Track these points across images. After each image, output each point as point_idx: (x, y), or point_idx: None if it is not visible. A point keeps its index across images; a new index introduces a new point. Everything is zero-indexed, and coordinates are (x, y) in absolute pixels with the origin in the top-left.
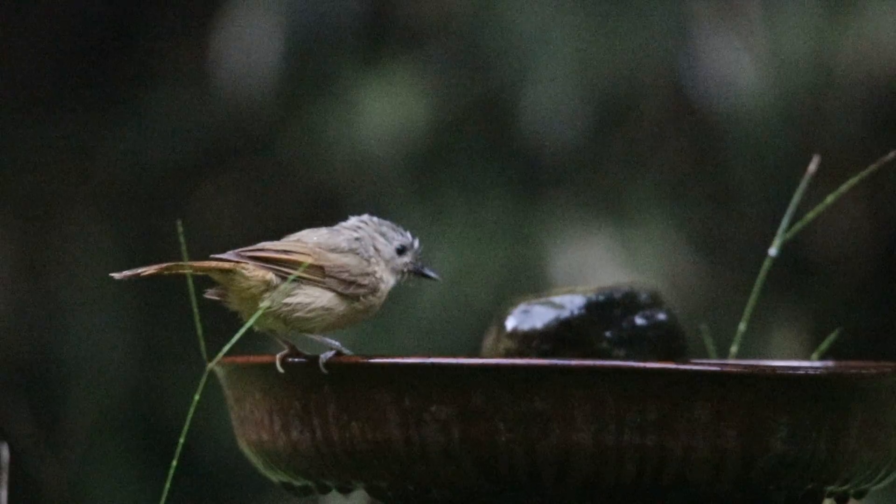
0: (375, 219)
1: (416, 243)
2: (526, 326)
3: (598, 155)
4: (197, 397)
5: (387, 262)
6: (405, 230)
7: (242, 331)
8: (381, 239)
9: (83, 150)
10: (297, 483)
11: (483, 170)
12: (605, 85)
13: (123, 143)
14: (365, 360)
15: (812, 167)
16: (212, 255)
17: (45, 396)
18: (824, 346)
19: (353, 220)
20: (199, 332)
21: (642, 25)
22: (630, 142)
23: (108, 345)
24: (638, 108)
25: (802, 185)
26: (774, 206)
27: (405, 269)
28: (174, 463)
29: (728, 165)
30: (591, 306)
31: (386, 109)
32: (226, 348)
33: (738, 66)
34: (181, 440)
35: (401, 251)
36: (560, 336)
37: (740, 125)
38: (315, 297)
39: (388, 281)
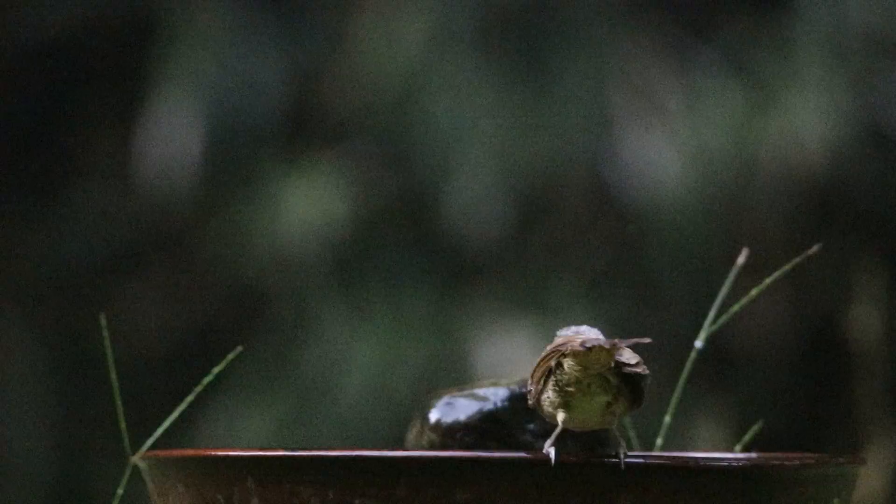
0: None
1: None
2: (449, 419)
3: (520, 249)
4: (120, 491)
5: None
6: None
7: (174, 416)
8: None
9: (3, 245)
10: None
11: (405, 264)
12: (526, 179)
13: (43, 240)
14: (288, 454)
15: (741, 259)
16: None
17: None
18: (748, 437)
19: None
20: (122, 425)
21: (564, 119)
22: (552, 235)
23: (30, 440)
24: (560, 201)
25: (731, 276)
26: (697, 299)
27: None
28: None
29: (650, 258)
30: (514, 398)
31: (308, 204)
32: (149, 441)
33: (659, 159)
34: None
35: None
36: (483, 428)
37: (662, 218)
38: None
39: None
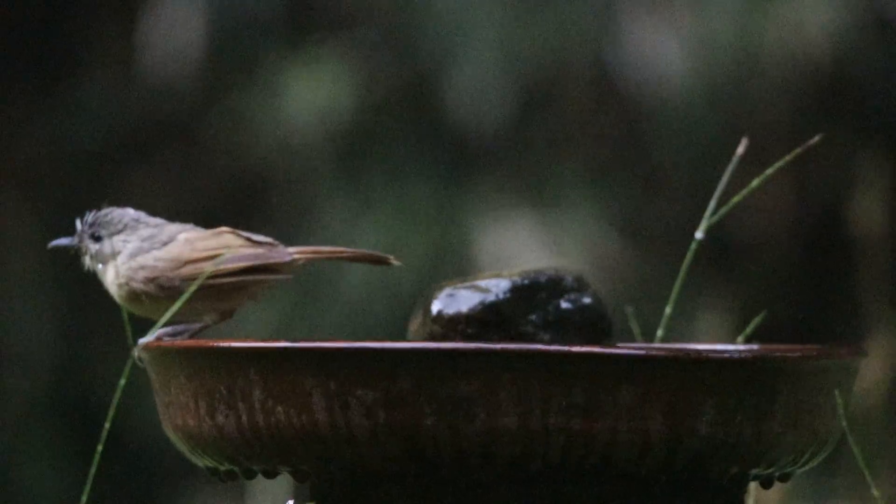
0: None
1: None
2: (451, 310)
3: (523, 138)
4: (122, 382)
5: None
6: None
7: (169, 314)
8: None
9: (10, 134)
10: (222, 467)
11: (409, 153)
12: (530, 68)
13: (49, 128)
14: (291, 345)
15: (740, 149)
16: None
17: None
18: (750, 329)
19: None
20: (125, 315)
21: (568, 8)
22: (556, 125)
23: (36, 329)
24: (563, 91)
25: (730, 167)
26: (700, 190)
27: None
28: (100, 447)
29: (653, 149)
30: (516, 290)
31: (311, 94)
32: (151, 333)
33: (663, 49)
34: (107, 425)
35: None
36: (485, 320)
37: (666, 108)
38: None
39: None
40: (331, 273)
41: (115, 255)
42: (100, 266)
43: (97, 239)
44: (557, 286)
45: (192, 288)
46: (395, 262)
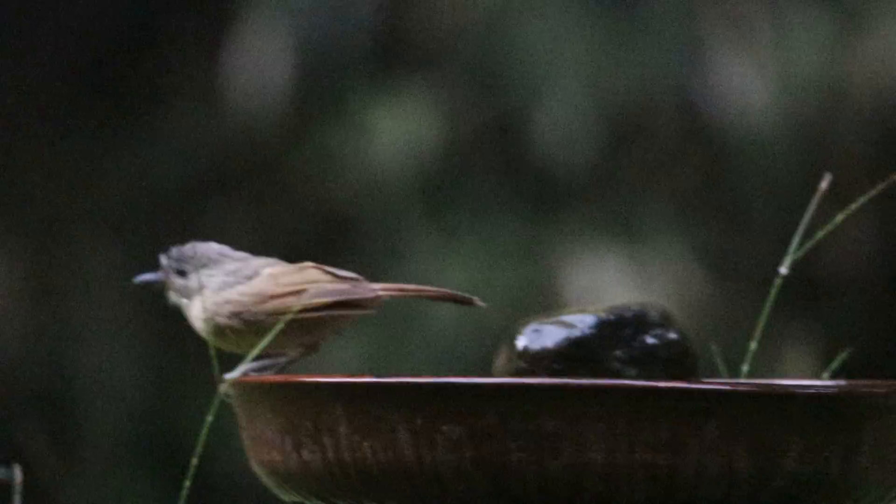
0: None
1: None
2: (537, 346)
3: (609, 175)
4: (210, 418)
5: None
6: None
7: (257, 350)
8: None
9: (93, 169)
10: (308, 503)
11: (495, 190)
12: (616, 105)
13: (134, 163)
14: (377, 380)
15: (823, 185)
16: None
17: (60, 418)
18: (835, 364)
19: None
20: (213, 351)
21: (654, 45)
22: (642, 161)
23: (123, 365)
24: (650, 127)
25: (813, 202)
26: (785, 226)
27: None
28: (187, 483)
29: (739, 184)
30: (601, 326)
31: (397, 130)
32: (239, 368)
33: (749, 85)
34: (194, 460)
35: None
36: (571, 355)
37: (751, 144)
38: None
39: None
40: (417, 308)
41: (200, 289)
42: (185, 301)
43: (182, 274)
44: (643, 322)
45: (280, 324)
46: (480, 304)
